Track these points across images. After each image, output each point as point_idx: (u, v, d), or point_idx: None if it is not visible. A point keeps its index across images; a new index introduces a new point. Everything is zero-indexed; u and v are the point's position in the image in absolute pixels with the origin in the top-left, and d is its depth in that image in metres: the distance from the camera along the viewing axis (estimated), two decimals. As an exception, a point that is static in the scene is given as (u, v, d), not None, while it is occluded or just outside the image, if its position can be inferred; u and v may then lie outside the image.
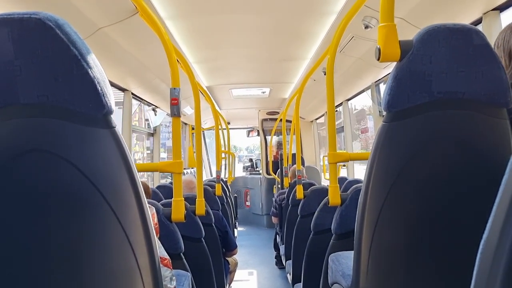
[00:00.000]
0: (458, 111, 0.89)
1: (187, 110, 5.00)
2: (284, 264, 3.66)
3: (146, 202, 0.82)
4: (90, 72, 0.71)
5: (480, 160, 0.88)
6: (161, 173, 4.60)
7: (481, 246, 0.42)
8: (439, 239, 0.92)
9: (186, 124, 6.31)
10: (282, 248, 3.76)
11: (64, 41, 0.69)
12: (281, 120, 4.78)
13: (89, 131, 0.73)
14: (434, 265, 0.93)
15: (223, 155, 5.62)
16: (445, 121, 0.89)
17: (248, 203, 7.56)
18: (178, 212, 1.55)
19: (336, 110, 4.65)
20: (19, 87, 0.69)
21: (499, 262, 0.39)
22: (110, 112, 0.74)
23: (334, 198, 1.68)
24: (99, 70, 0.73)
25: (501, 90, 0.89)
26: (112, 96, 0.75)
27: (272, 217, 4.35)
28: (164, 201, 2.04)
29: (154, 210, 1.29)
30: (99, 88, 0.72)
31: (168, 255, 1.24)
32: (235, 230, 4.81)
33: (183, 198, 1.57)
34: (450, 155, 0.89)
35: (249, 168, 8.71)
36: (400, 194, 0.92)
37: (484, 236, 0.42)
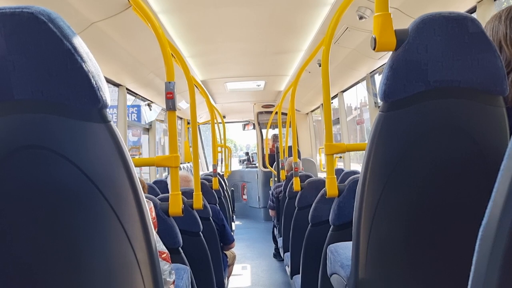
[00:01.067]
0: (454, 99, 0.89)
1: (182, 104, 4.98)
2: (282, 256, 3.68)
3: (144, 197, 0.82)
4: (84, 66, 0.70)
5: (478, 148, 0.88)
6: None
7: (480, 233, 0.42)
8: (438, 227, 0.92)
9: (181, 118, 6.29)
10: (280, 241, 3.77)
11: (57, 35, 0.68)
12: (276, 113, 4.77)
13: (84, 125, 0.72)
14: (433, 254, 0.94)
15: (219, 149, 5.61)
16: (441, 110, 0.89)
17: (245, 197, 7.57)
18: (176, 206, 1.54)
19: (332, 102, 4.65)
20: (12, 83, 0.68)
21: (498, 247, 0.39)
22: (105, 106, 0.74)
23: (331, 189, 1.68)
24: (93, 64, 0.72)
25: (497, 78, 0.89)
26: (107, 90, 0.75)
27: (270, 210, 4.35)
28: (161, 195, 2.03)
29: (152, 205, 1.28)
30: (94, 82, 0.71)
31: (167, 249, 1.24)
32: (233, 223, 4.81)
33: (180, 192, 1.57)
34: (447, 144, 0.89)
35: (245, 162, 8.71)
36: (398, 184, 0.92)
37: (484, 222, 0.42)
